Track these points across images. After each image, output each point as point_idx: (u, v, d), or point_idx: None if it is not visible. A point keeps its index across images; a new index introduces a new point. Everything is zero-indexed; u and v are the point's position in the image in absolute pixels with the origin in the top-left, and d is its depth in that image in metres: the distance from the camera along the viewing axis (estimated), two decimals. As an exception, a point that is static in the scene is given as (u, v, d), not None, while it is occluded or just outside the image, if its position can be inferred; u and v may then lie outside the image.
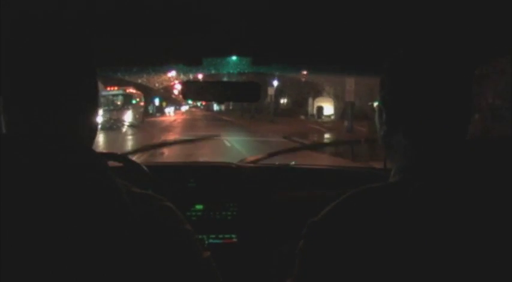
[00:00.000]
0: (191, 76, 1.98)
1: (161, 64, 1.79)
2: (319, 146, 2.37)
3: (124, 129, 15.11)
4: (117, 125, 15.36)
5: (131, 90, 21.19)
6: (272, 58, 1.55)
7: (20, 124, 0.67)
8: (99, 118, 0.74)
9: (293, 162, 2.38)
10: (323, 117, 24.56)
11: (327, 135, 15.12)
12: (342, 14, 1.06)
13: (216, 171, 1.93)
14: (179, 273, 0.69)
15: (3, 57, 0.67)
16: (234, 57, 1.60)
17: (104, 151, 1.60)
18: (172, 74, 1.92)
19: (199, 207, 1.80)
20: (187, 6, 1.01)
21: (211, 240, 1.76)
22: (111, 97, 19.79)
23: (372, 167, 2.04)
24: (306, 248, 0.72)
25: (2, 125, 0.68)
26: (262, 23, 1.14)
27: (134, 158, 1.99)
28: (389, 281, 0.65)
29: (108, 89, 19.32)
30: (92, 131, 0.74)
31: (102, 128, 13.13)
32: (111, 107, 19.32)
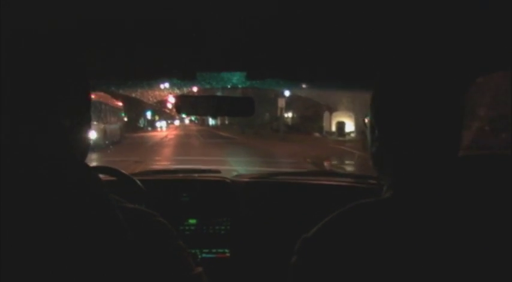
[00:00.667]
0: (185, 90, 2.05)
1: (155, 78, 1.85)
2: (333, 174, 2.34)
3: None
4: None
5: (100, 97, 15.01)
6: (267, 73, 1.60)
7: (11, 138, 0.67)
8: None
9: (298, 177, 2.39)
10: (345, 135, 21.68)
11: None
12: (336, 30, 1.10)
13: (210, 185, 1.99)
14: None
15: None
16: (231, 72, 1.65)
17: (98, 164, 1.65)
18: (166, 86, 1.98)
19: (192, 221, 1.87)
20: (182, 20, 1.04)
21: (204, 255, 1.83)
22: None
23: (368, 182, 2.11)
24: (298, 264, 0.74)
25: None
26: (256, 38, 1.18)
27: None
28: None
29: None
30: (85, 144, 0.76)
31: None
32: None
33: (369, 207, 0.74)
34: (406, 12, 0.95)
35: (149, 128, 38.62)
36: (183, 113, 1.80)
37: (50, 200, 0.63)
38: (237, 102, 1.75)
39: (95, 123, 13.72)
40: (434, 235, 0.67)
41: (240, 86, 2.01)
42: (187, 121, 49.99)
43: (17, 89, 0.67)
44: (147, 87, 2.13)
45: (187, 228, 1.87)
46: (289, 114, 30.49)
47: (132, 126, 35.24)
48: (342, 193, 2.04)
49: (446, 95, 0.76)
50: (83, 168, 0.71)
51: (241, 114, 1.89)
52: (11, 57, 0.68)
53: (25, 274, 0.60)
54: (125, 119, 21.84)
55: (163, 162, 10.55)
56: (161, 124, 42.70)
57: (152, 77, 1.84)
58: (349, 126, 22.37)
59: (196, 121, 50.92)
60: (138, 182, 1.67)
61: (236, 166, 8.48)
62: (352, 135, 21.22)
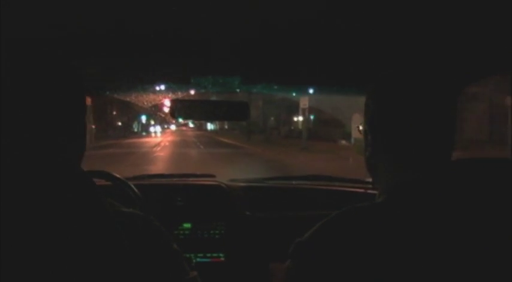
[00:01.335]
0: (180, 94, 2.12)
1: (150, 83, 1.91)
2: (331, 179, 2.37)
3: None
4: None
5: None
6: (262, 77, 1.68)
7: (5, 143, 0.69)
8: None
9: (293, 182, 2.47)
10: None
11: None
12: (332, 35, 1.14)
13: (205, 190, 2.07)
14: None
15: None
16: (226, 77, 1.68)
17: (93, 169, 1.70)
18: (162, 88, 2.05)
19: (187, 225, 1.95)
20: (177, 25, 1.07)
21: (198, 259, 1.91)
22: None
23: (365, 186, 2.20)
24: (293, 267, 0.77)
25: None
26: (251, 42, 1.22)
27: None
28: None
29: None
30: (80, 149, 0.79)
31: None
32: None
33: (363, 212, 0.77)
34: (401, 17, 0.99)
35: (144, 133, 37.44)
36: (178, 117, 1.86)
37: (43, 204, 0.65)
38: (232, 106, 1.81)
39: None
40: (428, 239, 0.70)
41: (238, 90, 2.08)
42: (184, 127, 48.74)
43: (13, 94, 0.69)
44: (142, 91, 2.20)
45: (181, 232, 1.95)
46: (299, 118, 27.61)
47: (125, 131, 33.73)
48: (338, 198, 2.12)
49: (440, 100, 0.80)
50: (77, 172, 0.73)
51: (236, 119, 1.97)
52: (6, 65, 0.70)
53: (19, 279, 0.62)
54: (93, 126, 18.71)
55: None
56: (155, 129, 40.42)
57: (147, 82, 1.89)
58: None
59: (193, 126, 50.01)
60: (133, 187, 1.73)
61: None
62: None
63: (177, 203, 2.00)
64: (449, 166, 0.78)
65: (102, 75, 1.61)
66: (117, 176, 1.77)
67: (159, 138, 30.82)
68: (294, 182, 2.42)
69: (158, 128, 40.66)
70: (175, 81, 1.79)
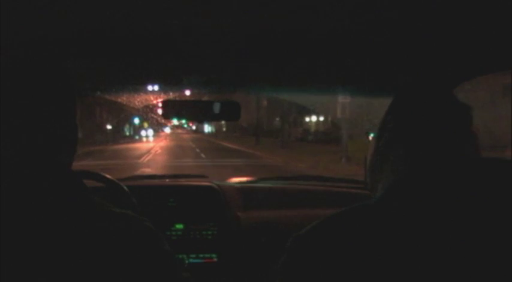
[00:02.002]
0: (171, 94, 2.19)
1: (141, 84, 1.98)
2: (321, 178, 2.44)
3: None
4: None
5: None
6: (253, 78, 1.75)
7: None
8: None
9: (285, 182, 2.53)
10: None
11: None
12: (322, 37, 1.17)
13: (197, 190, 2.15)
14: None
15: None
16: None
17: (84, 170, 1.77)
18: (155, 88, 2.11)
19: (179, 226, 2.03)
20: (167, 26, 1.09)
21: (191, 260, 1.99)
22: None
23: (358, 187, 2.29)
24: (289, 262, 0.80)
25: None
26: (244, 44, 1.24)
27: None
28: None
29: None
30: (71, 149, 0.81)
31: None
32: None
33: (362, 210, 0.80)
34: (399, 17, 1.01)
35: (136, 137, 35.87)
36: (170, 118, 1.93)
37: (33, 205, 0.68)
38: (223, 106, 1.86)
39: None
40: (426, 240, 0.72)
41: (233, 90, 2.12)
42: (179, 129, 47.65)
43: (2, 95, 0.71)
44: (134, 92, 2.27)
45: (174, 233, 2.02)
46: (320, 118, 25.85)
47: (115, 135, 31.79)
48: (332, 198, 2.19)
49: (457, 104, 0.86)
50: (67, 173, 0.76)
51: (227, 119, 2.03)
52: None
53: (10, 277, 0.65)
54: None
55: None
56: (147, 133, 37.23)
57: (138, 82, 1.95)
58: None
59: (188, 128, 49.13)
60: (124, 187, 1.81)
61: None
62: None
63: (169, 203, 2.08)
64: (450, 165, 0.80)
65: (92, 76, 1.65)
66: (109, 176, 1.83)
67: (151, 143, 28.62)
68: (286, 183, 2.50)
69: (150, 132, 38.03)
70: (167, 82, 1.84)
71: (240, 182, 2.38)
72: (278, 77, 1.75)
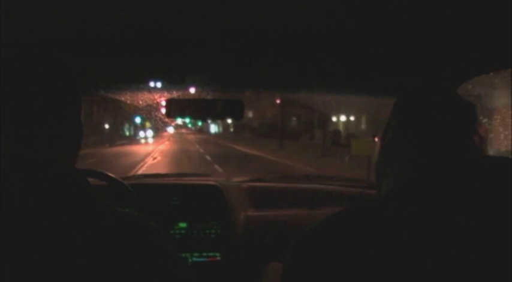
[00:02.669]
0: (175, 93, 2.26)
1: (144, 82, 2.04)
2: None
3: None
4: None
5: None
6: (258, 77, 1.82)
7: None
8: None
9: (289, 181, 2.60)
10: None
11: None
12: (324, 37, 1.23)
13: (200, 189, 2.22)
14: None
15: None
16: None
17: (88, 168, 1.84)
18: (157, 86, 2.17)
19: (182, 225, 2.10)
20: (172, 24, 1.12)
21: (194, 259, 2.05)
22: None
23: (360, 186, 2.36)
24: (293, 259, 0.82)
25: None
26: (246, 42, 1.29)
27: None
28: None
29: None
30: (75, 147, 0.82)
31: None
32: None
33: (367, 210, 0.82)
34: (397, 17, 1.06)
35: (137, 137, 34.54)
36: (174, 117, 2.00)
37: (37, 203, 0.69)
38: (227, 105, 1.95)
39: None
40: (431, 238, 0.74)
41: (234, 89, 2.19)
42: (183, 129, 47.16)
43: (5, 94, 0.72)
44: (137, 91, 2.35)
45: (177, 232, 2.10)
46: (341, 117, 23.26)
47: (113, 135, 30.14)
48: (334, 197, 2.26)
49: (462, 104, 0.89)
50: (71, 171, 0.77)
51: (231, 117, 2.10)
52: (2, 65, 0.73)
53: (14, 277, 0.66)
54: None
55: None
56: (146, 134, 34.61)
57: (142, 81, 2.03)
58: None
59: (192, 128, 48.80)
60: (128, 186, 1.88)
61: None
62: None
63: (173, 202, 2.15)
64: (453, 164, 0.82)
65: (96, 74, 1.72)
66: (112, 175, 1.90)
67: (150, 146, 25.36)
68: (290, 181, 2.58)
69: (150, 133, 35.46)
70: (170, 80, 1.91)
71: (244, 181, 2.45)
72: (282, 76, 1.83)
